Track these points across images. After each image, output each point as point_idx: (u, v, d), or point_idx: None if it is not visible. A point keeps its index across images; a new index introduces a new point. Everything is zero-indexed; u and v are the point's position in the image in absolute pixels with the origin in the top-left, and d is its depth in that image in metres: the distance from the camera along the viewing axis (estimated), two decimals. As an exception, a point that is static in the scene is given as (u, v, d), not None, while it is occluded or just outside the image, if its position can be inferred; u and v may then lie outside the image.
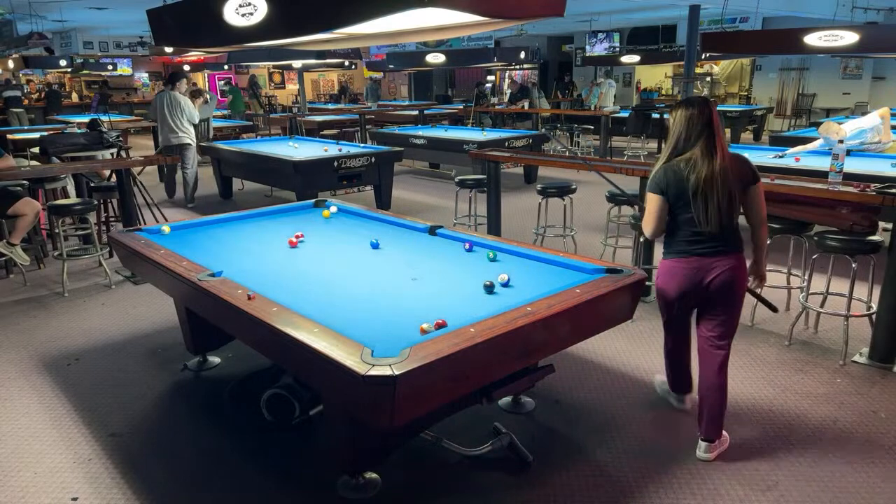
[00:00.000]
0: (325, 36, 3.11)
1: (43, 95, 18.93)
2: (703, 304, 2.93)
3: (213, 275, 2.92)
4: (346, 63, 12.21)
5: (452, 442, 2.81)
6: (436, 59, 10.90)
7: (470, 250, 3.46)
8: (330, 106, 17.77)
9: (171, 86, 8.21)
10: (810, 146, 6.35)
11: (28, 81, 20.51)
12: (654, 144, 12.95)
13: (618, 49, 16.02)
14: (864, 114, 8.01)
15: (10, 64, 12.75)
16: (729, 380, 3.47)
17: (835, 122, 7.00)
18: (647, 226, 2.90)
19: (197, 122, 8.42)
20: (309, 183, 7.02)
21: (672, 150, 2.83)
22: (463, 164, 9.04)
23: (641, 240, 4.68)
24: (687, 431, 3.10)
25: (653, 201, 2.84)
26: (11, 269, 5.71)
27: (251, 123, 12.69)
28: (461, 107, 15.49)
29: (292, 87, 21.67)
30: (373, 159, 7.56)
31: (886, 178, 4.69)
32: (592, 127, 12.62)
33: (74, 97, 20.99)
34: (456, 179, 6.48)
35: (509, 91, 15.25)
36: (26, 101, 17.74)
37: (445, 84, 22.70)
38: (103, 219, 6.61)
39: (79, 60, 14.50)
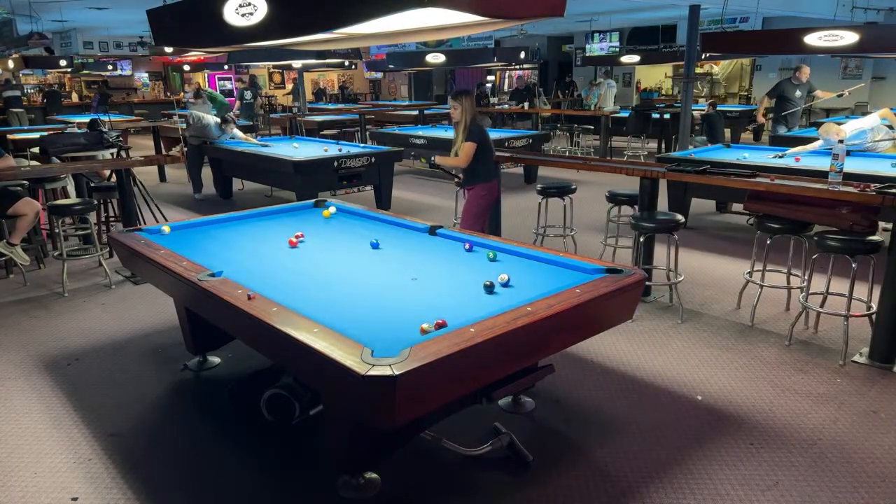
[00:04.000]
0: (325, 36, 3.11)
1: (42, 96, 18.93)
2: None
3: (213, 275, 2.92)
4: (346, 63, 12.19)
5: (452, 442, 2.81)
6: (436, 59, 10.90)
7: (470, 250, 3.46)
8: (330, 106, 17.77)
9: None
10: (810, 147, 6.35)
11: (41, 81, 20.52)
12: (654, 144, 12.95)
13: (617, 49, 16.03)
14: (864, 114, 8.02)
15: (10, 64, 12.73)
16: (729, 379, 3.53)
17: (835, 122, 7.01)
18: (467, 160, 4.75)
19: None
20: (309, 183, 7.02)
21: (473, 118, 4.78)
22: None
23: (642, 240, 4.69)
24: (687, 431, 3.11)
25: (472, 147, 4.72)
26: (11, 269, 5.70)
27: (251, 123, 12.68)
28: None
29: (292, 86, 21.65)
30: (373, 159, 7.56)
31: (886, 178, 4.70)
32: (592, 127, 12.62)
33: (74, 97, 20.98)
34: (456, 179, 6.46)
35: (511, 90, 15.24)
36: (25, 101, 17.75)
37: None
38: (103, 219, 6.61)
39: (84, 60, 14.47)
